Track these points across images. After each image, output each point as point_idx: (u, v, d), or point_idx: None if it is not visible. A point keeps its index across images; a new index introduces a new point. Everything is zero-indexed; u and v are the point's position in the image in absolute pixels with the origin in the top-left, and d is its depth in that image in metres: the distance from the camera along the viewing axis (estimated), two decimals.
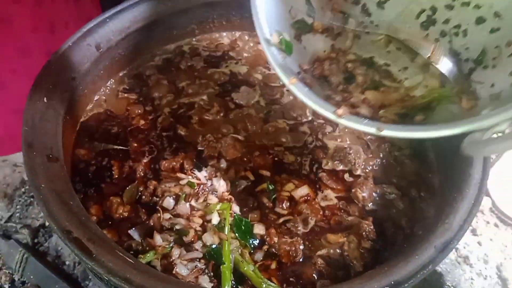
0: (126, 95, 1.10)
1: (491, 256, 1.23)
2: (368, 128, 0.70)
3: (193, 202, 0.87)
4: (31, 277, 1.17)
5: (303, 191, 0.92)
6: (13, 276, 1.20)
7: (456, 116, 0.73)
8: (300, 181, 0.94)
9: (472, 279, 1.18)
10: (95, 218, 0.85)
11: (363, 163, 0.98)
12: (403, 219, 0.88)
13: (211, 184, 0.90)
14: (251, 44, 1.28)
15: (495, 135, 0.62)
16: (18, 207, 1.33)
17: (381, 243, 0.84)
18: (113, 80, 1.13)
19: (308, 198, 0.91)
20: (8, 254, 1.22)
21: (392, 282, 0.63)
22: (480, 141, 0.63)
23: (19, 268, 1.19)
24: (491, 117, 0.62)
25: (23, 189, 1.37)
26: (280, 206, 0.90)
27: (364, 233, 0.84)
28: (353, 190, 0.91)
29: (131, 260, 0.63)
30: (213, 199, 0.88)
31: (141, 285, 0.59)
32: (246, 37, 1.30)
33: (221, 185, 0.91)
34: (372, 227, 0.84)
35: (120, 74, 1.14)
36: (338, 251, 0.83)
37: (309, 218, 0.88)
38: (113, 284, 0.60)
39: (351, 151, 0.98)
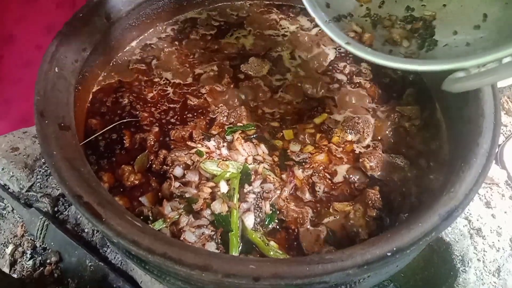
0: (137, 65, 1.11)
1: (505, 228, 1.21)
2: (370, 57, 0.74)
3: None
4: (52, 243, 1.22)
5: (321, 157, 0.94)
6: (35, 242, 1.25)
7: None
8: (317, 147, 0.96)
9: (484, 251, 1.17)
10: (107, 185, 0.87)
11: (372, 133, 0.98)
12: (411, 189, 0.88)
13: (220, 153, 0.92)
14: (262, 14, 1.26)
15: (475, 71, 0.64)
16: (38, 177, 1.37)
17: (387, 212, 0.85)
18: (124, 51, 1.14)
19: (324, 165, 0.93)
20: (29, 222, 1.27)
21: (394, 249, 0.63)
22: (460, 78, 0.66)
23: (40, 235, 1.24)
24: (485, 55, 0.62)
25: (43, 160, 1.41)
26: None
27: (370, 202, 0.84)
28: (361, 160, 0.91)
29: (139, 224, 0.65)
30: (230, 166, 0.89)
31: (148, 248, 0.61)
32: (257, 7, 1.28)
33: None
34: (378, 196, 0.85)
35: (131, 45, 1.16)
36: (344, 219, 0.84)
37: (317, 186, 0.89)
38: (122, 246, 0.62)
39: (360, 121, 0.97)
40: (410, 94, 1.05)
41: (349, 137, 0.97)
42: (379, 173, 0.91)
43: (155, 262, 0.61)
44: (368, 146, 0.95)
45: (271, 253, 0.79)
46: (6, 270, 1.22)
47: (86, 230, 1.24)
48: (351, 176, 0.91)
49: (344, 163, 0.93)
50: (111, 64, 1.10)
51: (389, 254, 0.63)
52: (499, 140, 1.36)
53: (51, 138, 0.74)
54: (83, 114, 0.99)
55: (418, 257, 1.01)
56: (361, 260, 0.62)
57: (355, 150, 0.95)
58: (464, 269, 1.05)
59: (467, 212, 1.24)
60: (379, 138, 0.97)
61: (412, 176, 0.90)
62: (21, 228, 1.30)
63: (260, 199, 0.86)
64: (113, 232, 0.62)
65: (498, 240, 1.19)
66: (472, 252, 1.13)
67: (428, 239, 0.65)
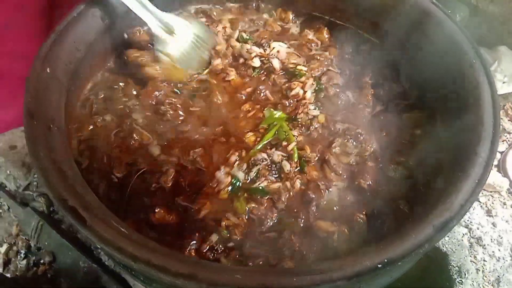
0: None
1: (506, 237, 1.19)
2: None
3: None
4: (46, 243, 1.21)
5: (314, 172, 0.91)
6: (30, 242, 1.25)
7: None
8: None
9: (484, 260, 1.15)
10: None
11: (372, 145, 0.95)
12: (404, 202, 0.85)
13: None
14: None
15: None
16: (35, 176, 1.36)
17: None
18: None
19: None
20: (25, 221, 1.26)
21: (386, 260, 0.61)
22: None
23: (35, 235, 1.23)
24: None
25: None
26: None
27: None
28: (356, 182, 0.88)
29: (124, 230, 0.64)
30: None
31: (133, 255, 0.60)
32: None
33: None
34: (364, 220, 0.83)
35: None
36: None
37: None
38: (106, 253, 0.61)
39: (362, 131, 0.94)
40: (409, 103, 1.03)
41: (349, 148, 0.93)
42: (375, 189, 0.88)
43: (139, 269, 0.59)
44: (365, 160, 0.92)
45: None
46: None
47: None
48: (345, 195, 0.88)
49: (340, 179, 0.91)
50: (106, 63, 1.09)
51: (379, 266, 0.61)
52: (501, 148, 1.35)
53: (39, 139, 0.73)
54: (75, 114, 0.97)
55: (416, 266, 0.99)
56: (351, 271, 0.61)
57: (353, 163, 0.92)
58: (461, 280, 1.03)
59: (468, 220, 1.21)
60: (372, 149, 0.94)
61: (409, 189, 0.87)
62: (16, 227, 1.30)
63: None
64: (97, 237, 0.61)
65: (499, 250, 1.17)
66: (470, 262, 1.11)
67: (421, 251, 0.63)
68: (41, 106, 0.78)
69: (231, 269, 0.64)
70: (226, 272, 0.60)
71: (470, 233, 1.20)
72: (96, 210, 0.65)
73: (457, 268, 1.05)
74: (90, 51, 0.96)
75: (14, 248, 1.25)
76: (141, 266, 0.59)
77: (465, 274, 1.04)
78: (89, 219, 0.63)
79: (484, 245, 1.17)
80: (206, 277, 0.58)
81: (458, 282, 1.02)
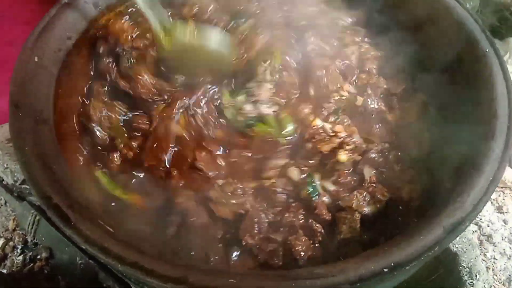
0: None
1: None
2: None
3: None
4: (43, 239, 1.19)
5: None
6: (26, 237, 1.23)
7: None
8: None
9: (494, 258, 1.12)
10: None
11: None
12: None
13: None
14: None
15: None
16: None
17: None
18: None
19: None
20: (21, 216, 1.24)
21: (392, 264, 0.57)
22: None
23: (31, 230, 1.21)
24: None
25: None
26: None
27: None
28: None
29: (111, 229, 0.60)
30: None
31: (118, 255, 0.56)
32: None
33: None
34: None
35: None
36: None
37: None
38: (90, 253, 0.57)
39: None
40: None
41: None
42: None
43: (125, 272, 0.56)
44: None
45: None
46: None
47: None
48: None
49: None
50: None
51: (385, 270, 0.57)
52: None
53: (25, 132, 0.69)
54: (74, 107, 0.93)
55: (423, 267, 0.95)
56: (354, 276, 0.56)
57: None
58: (472, 282, 0.99)
59: (477, 217, 1.17)
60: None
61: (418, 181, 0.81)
62: (13, 222, 1.27)
63: None
64: (81, 237, 0.57)
65: (510, 248, 1.14)
66: (481, 260, 1.07)
67: (430, 254, 0.58)
68: (27, 97, 0.74)
69: (225, 273, 0.59)
70: (219, 275, 0.56)
71: (480, 230, 1.17)
72: (81, 208, 0.61)
73: (467, 269, 1.00)
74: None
75: (11, 243, 1.23)
76: (127, 268, 0.55)
77: (476, 276, 1.00)
78: (74, 218, 0.59)
79: (495, 243, 1.14)
80: (198, 281, 0.54)
81: (469, 284, 0.98)
